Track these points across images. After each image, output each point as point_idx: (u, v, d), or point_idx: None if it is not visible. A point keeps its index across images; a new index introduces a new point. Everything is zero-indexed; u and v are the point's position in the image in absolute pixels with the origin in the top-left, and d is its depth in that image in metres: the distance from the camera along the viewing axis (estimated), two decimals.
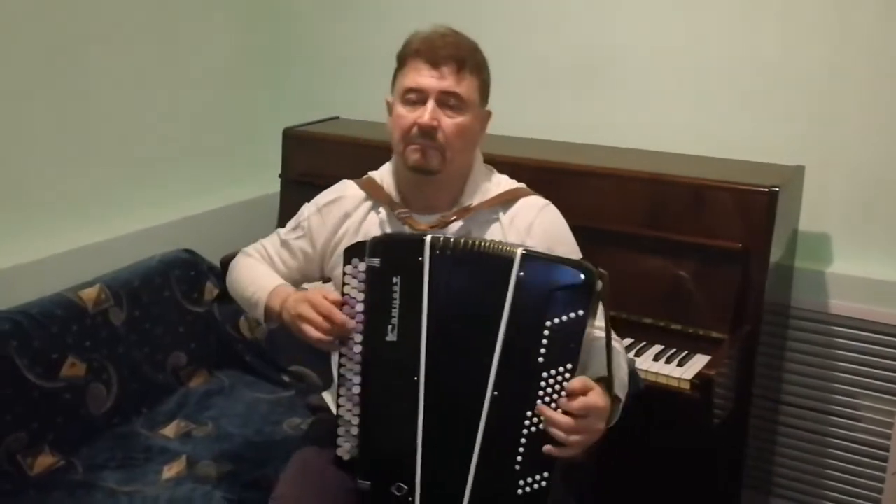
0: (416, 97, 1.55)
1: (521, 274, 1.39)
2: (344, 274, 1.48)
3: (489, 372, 1.40)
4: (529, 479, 1.40)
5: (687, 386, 1.83)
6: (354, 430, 1.50)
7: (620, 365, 1.48)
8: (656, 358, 1.93)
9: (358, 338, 1.47)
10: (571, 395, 1.36)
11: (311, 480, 1.63)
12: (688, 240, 1.99)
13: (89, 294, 2.22)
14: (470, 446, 1.42)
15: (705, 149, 2.30)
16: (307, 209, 1.73)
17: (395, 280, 1.44)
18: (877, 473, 2.27)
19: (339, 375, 1.51)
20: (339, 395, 1.52)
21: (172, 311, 2.43)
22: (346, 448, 1.53)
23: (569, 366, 1.36)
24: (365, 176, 1.72)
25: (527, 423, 1.39)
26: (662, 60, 2.40)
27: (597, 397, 1.36)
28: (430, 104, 1.53)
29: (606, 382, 1.40)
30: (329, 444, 1.61)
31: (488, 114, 1.65)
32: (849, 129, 2.20)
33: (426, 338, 1.43)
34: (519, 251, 1.40)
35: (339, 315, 1.46)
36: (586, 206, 2.01)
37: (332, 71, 3.00)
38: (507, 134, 2.24)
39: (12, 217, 2.30)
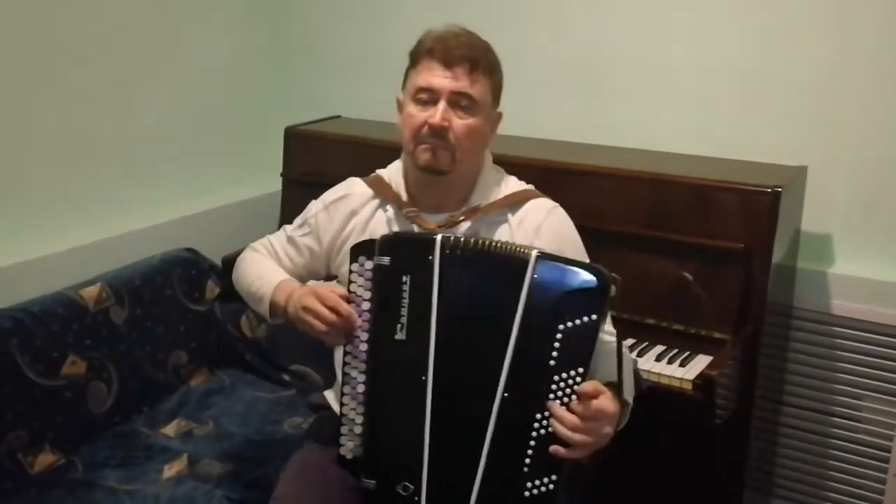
0: (428, 97, 1.54)
1: (536, 276, 1.38)
2: (350, 272, 1.48)
3: (500, 373, 1.40)
4: (537, 482, 1.40)
5: (689, 386, 1.83)
6: (358, 429, 1.50)
7: (629, 369, 1.48)
8: (658, 358, 1.92)
9: (364, 336, 1.47)
10: (583, 396, 1.35)
11: (312, 480, 1.63)
12: (690, 240, 1.99)
13: (90, 292, 2.22)
14: (478, 447, 1.42)
15: (708, 149, 2.30)
16: (314, 206, 1.73)
17: (404, 279, 1.43)
18: (878, 475, 2.27)
19: (344, 374, 1.50)
20: (342, 394, 1.51)
21: (173, 309, 2.43)
22: (349, 447, 1.52)
23: (580, 369, 1.36)
24: (373, 174, 1.72)
25: (536, 425, 1.39)
26: (665, 61, 2.39)
27: (607, 402, 1.36)
28: (442, 104, 1.53)
29: (616, 387, 1.40)
30: (330, 443, 1.60)
31: (499, 115, 1.65)
32: (851, 130, 2.20)
33: (435, 337, 1.43)
34: (534, 253, 1.39)
35: (345, 307, 1.46)
36: (589, 206, 2.00)
37: (333, 70, 2.99)
38: (509, 134, 2.23)
39: (14, 215, 2.30)
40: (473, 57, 1.54)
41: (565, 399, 1.37)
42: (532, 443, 1.39)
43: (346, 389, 1.50)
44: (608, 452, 1.42)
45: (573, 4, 2.50)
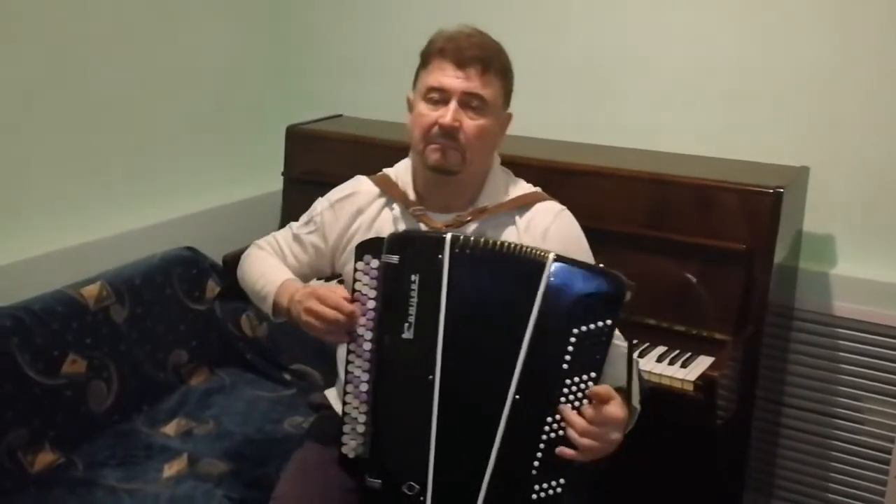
0: (439, 96, 1.54)
1: (552, 279, 1.38)
2: (355, 270, 1.47)
3: (512, 375, 1.39)
4: (545, 485, 1.40)
5: (690, 387, 1.83)
6: (361, 428, 1.49)
7: (636, 374, 1.48)
8: (660, 359, 1.92)
9: (368, 335, 1.46)
10: (595, 399, 1.35)
11: (312, 479, 1.62)
12: (691, 240, 1.99)
13: (91, 291, 2.22)
14: (487, 448, 1.41)
15: (709, 149, 2.30)
16: (320, 204, 1.73)
17: (413, 277, 1.43)
18: (879, 476, 2.26)
19: (347, 372, 1.50)
20: (345, 392, 1.50)
21: (174, 308, 2.43)
22: (351, 446, 1.52)
23: (592, 374, 1.36)
24: (379, 173, 1.72)
25: (546, 428, 1.39)
26: (667, 61, 2.39)
27: (617, 407, 1.36)
28: (453, 104, 1.53)
29: (625, 393, 1.40)
30: (331, 443, 1.60)
31: (509, 116, 1.65)
32: (853, 131, 2.19)
33: (443, 336, 1.42)
34: (551, 256, 1.39)
35: (347, 305, 1.46)
36: (590, 206, 1.99)
37: (335, 69, 2.99)
38: (510, 133, 2.23)
39: (14, 214, 2.29)
40: (486, 58, 1.54)
41: (576, 403, 1.37)
42: (541, 445, 1.39)
43: (349, 388, 1.50)
44: (615, 457, 1.42)
45: (575, 4, 2.50)
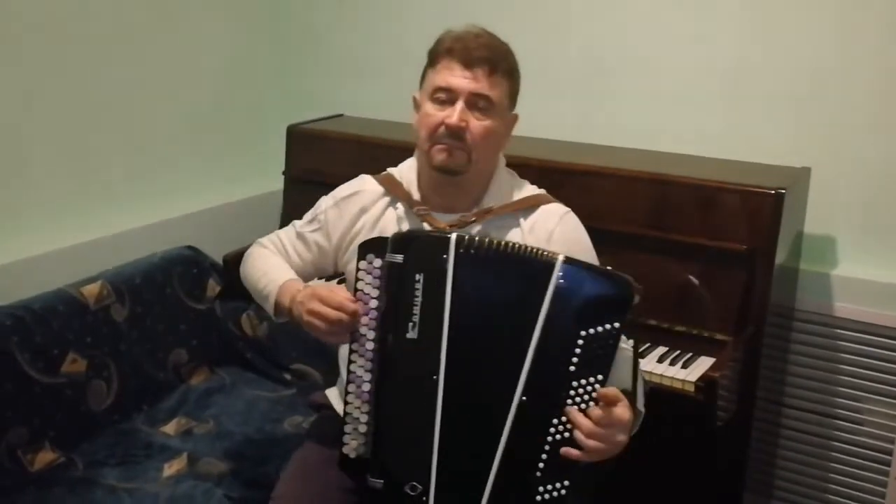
0: (446, 96, 1.54)
1: (561, 281, 1.37)
2: (358, 269, 1.47)
3: (518, 376, 1.39)
4: (549, 486, 1.40)
5: (691, 388, 1.83)
6: (362, 428, 1.49)
7: (643, 378, 1.48)
8: (660, 359, 1.92)
9: (371, 334, 1.46)
10: (604, 400, 1.35)
11: (312, 479, 1.62)
12: (692, 241, 1.98)
13: (91, 290, 2.22)
14: (492, 449, 1.41)
15: (710, 150, 2.29)
16: (324, 202, 1.72)
17: (417, 277, 1.42)
18: (880, 478, 2.26)
19: (349, 372, 1.49)
20: (347, 392, 1.50)
21: (174, 308, 2.42)
22: (352, 445, 1.51)
23: (599, 377, 1.36)
24: (384, 172, 1.72)
25: (552, 430, 1.39)
26: (668, 61, 2.39)
27: (624, 410, 1.36)
28: (460, 105, 1.52)
29: (630, 395, 1.40)
30: (331, 443, 1.60)
31: (515, 117, 1.65)
32: (854, 131, 2.19)
33: (448, 336, 1.42)
34: (560, 257, 1.39)
35: (350, 305, 1.45)
36: (591, 206, 1.99)
37: (336, 69, 2.99)
38: (512, 133, 2.23)
39: (15, 212, 2.29)
40: (494, 59, 1.54)
41: (583, 405, 1.37)
42: (547, 447, 1.39)
43: (351, 388, 1.49)
44: (620, 459, 1.41)
45: (576, 4, 2.50)
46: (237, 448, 2.13)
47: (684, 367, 1.88)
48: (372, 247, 1.46)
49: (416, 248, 1.44)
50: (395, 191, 1.66)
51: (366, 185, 1.69)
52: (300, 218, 1.78)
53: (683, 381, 1.84)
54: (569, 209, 1.65)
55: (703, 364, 1.88)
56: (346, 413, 1.51)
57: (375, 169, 1.74)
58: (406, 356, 1.45)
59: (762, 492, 2.42)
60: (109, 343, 2.22)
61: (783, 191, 1.92)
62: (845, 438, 2.30)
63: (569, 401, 1.38)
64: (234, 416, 2.27)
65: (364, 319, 1.46)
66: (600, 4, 2.47)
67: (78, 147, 2.44)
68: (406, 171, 1.68)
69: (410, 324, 1.43)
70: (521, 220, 1.62)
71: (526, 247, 1.43)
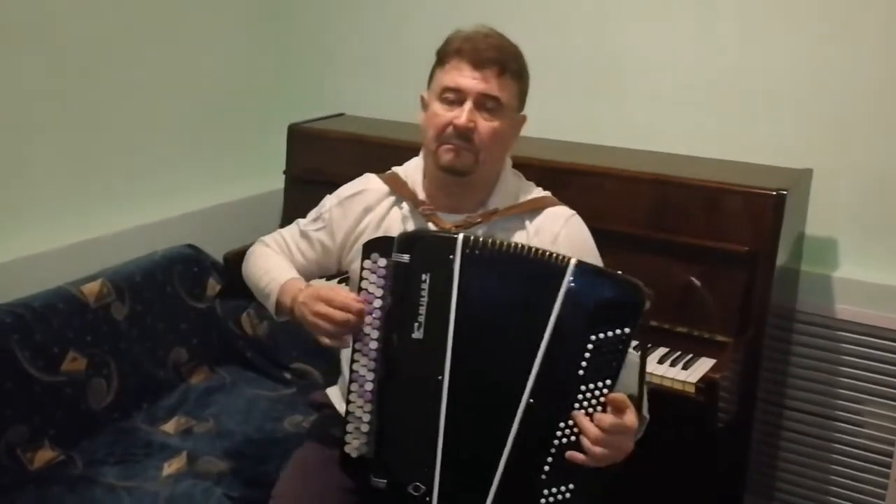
0: (455, 97, 1.53)
1: (573, 284, 1.37)
2: (362, 268, 1.46)
3: (526, 378, 1.38)
4: (554, 490, 1.40)
5: (692, 389, 1.83)
6: (365, 427, 1.49)
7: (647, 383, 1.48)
8: (661, 361, 1.92)
9: (374, 333, 1.45)
10: (612, 405, 1.35)
11: (312, 479, 1.62)
12: (694, 242, 1.98)
13: (91, 288, 2.21)
14: (497, 450, 1.40)
15: (713, 151, 2.29)
16: (328, 201, 1.72)
17: (423, 276, 1.41)
18: (880, 480, 2.26)
19: (351, 371, 1.48)
20: (349, 391, 1.49)
21: (174, 306, 2.42)
22: (354, 445, 1.51)
23: (608, 381, 1.36)
24: (388, 171, 1.71)
25: (558, 433, 1.38)
26: (670, 62, 2.39)
27: (631, 416, 1.36)
28: (468, 105, 1.52)
29: (636, 401, 1.39)
30: (331, 443, 1.59)
31: (523, 118, 1.64)
32: (856, 133, 2.19)
33: (453, 336, 1.41)
34: (573, 261, 1.38)
35: (355, 304, 1.45)
36: (593, 206, 1.98)
37: (337, 68, 2.99)
38: None
39: (15, 210, 2.29)
40: (503, 60, 1.53)
41: (590, 409, 1.37)
42: (553, 451, 1.39)
43: (354, 387, 1.49)
44: (625, 464, 1.41)
45: (579, 4, 2.50)
46: (237, 447, 2.12)
47: (685, 368, 1.88)
48: (377, 246, 1.46)
49: (422, 248, 1.44)
50: (399, 190, 1.66)
51: (370, 184, 1.69)
52: (301, 217, 1.77)
53: (684, 382, 1.84)
54: (574, 212, 1.65)
55: (704, 365, 1.88)
56: (348, 412, 1.50)
57: (376, 168, 1.73)
58: (411, 356, 1.44)
59: (763, 493, 2.42)
60: (109, 341, 2.22)
61: (785, 192, 1.91)
62: (846, 440, 2.30)
63: (576, 405, 1.37)
64: (234, 415, 2.27)
65: (368, 319, 1.45)
66: (603, 5, 2.46)
67: (79, 146, 2.44)
68: (411, 171, 1.68)
69: (416, 324, 1.42)
70: (527, 222, 1.61)
71: (536, 249, 1.42)
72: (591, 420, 1.36)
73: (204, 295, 2.51)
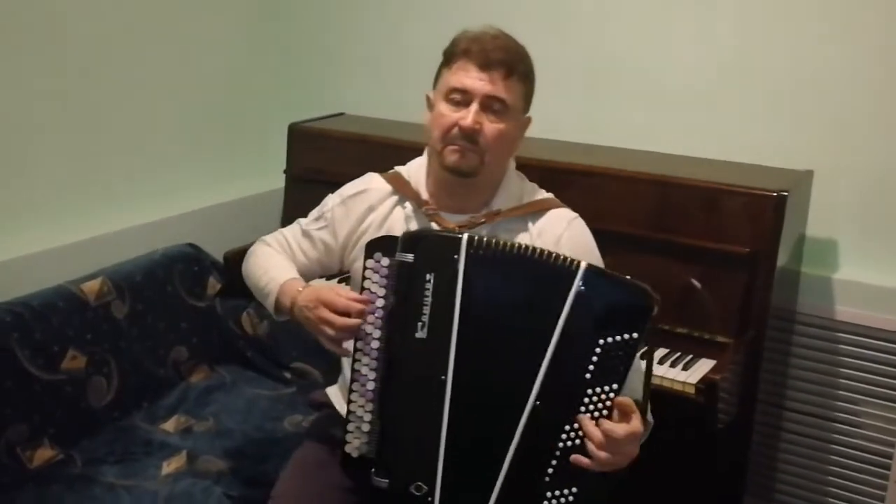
0: (461, 98, 1.53)
1: (583, 288, 1.37)
2: (364, 268, 1.46)
3: (532, 380, 1.38)
4: (557, 492, 1.40)
5: (692, 390, 1.83)
6: (366, 427, 1.48)
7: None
8: (661, 361, 1.92)
9: (376, 333, 1.45)
10: (618, 409, 1.35)
11: (312, 479, 1.62)
12: (695, 243, 1.98)
13: (91, 287, 2.21)
14: (501, 451, 1.40)
15: (714, 152, 2.29)
16: (331, 200, 1.72)
17: (427, 276, 1.41)
18: (879, 481, 2.26)
19: (353, 370, 1.48)
20: (351, 391, 1.49)
21: (174, 305, 2.42)
22: (355, 444, 1.51)
23: (614, 386, 1.36)
24: (391, 170, 1.71)
25: (563, 436, 1.38)
26: (671, 63, 2.39)
27: (636, 422, 1.36)
28: (474, 106, 1.52)
29: (641, 406, 1.39)
30: (331, 442, 1.59)
31: (528, 120, 1.64)
32: (857, 135, 2.19)
33: (456, 336, 1.41)
34: (583, 264, 1.38)
35: (356, 305, 1.44)
36: (593, 207, 1.98)
37: (337, 67, 2.99)
38: None
39: (15, 208, 2.29)
40: (510, 62, 1.53)
41: (596, 413, 1.37)
42: (557, 453, 1.39)
43: (355, 387, 1.48)
44: (630, 469, 1.41)
45: (580, 5, 2.50)
46: (237, 446, 2.12)
47: (685, 369, 1.88)
48: (380, 245, 1.46)
49: (426, 248, 1.43)
50: (402, 190, 1.65)
51: (373, 184, 1.69)
52: (301, 216, 1.77)
53: (684, 383, 1.84)
54: (577, 215, 1.65)
55: (704, 366, 1.88)
56: (349, 412, 1.50)
57: (377, 168, 1.73)
58: (414, 356, 1.44)
59: (762, 495, 2.42)
60: (109, 340, 2.22)
61: (785, 193, 1.91)
62: (845, 442, 2.30)
63: (582, 408, 1.37)
64: (234, 414, 2.27)
65: (370, 318, 1.45)
66: (603, 5, 2.46)
67: (79, 145, 2.44)
68: (414, 171, 1.68)
69: (419, 323, 1.42)
70: (530, 223, 1.61)
71: (542, 250, 1.41)
72: (597, 425, 1.36)
73: (204, 294, 2.51)
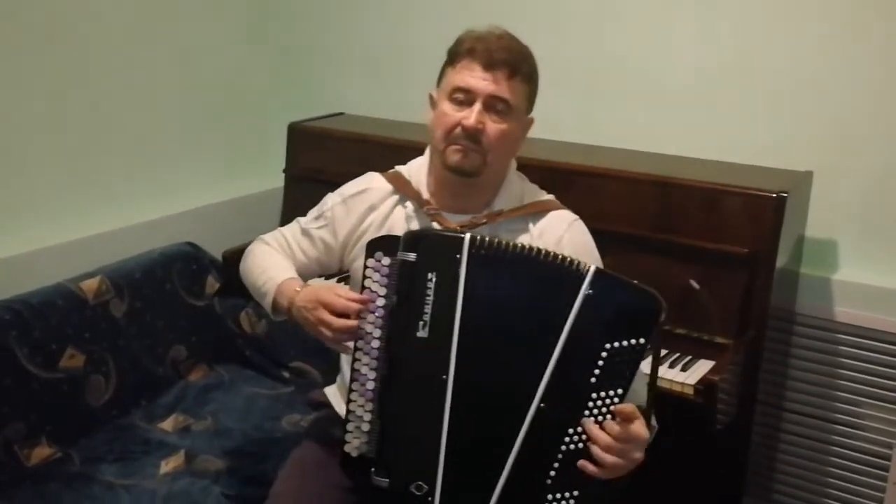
0: (465, 97, 1.53)
1: (591, 292, 1.36)
2: (365, 267, 1.46)
3: (536, 381, 1.38)
4: (559, 495, 1.39)
5: (690, 391, 1.82)
6: (365, 426, 1.48)
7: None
8: (660, 362, 1.91)
9: (377, 332, 1.45)
10: (620, 416, 1.35)
11: (310, 478, 1.62)
12: (694, 243, 1.98)
13: (90, 285, 2.21)
14: (503, 452, 1.40)
15: (714, 153, 2.29)
16: (331, 199, 1.71)
17: (429, 275, 1.41)
18: (878, 483, 2.26)
19: (353, 370, 1.48)
20: (350, 390, 1.49)
21: (173, 304, 2.42)
22: (354, 444, 1.50)
23: (619, 391, 1.36)
24: (391, 170, 1.71)
25: (567, 439, 1.38)
26: (671, 64, 2.39)
27: (641, 427, 1.36)
28: (477, 106, 1.51)
29: (645, 412, 1.39)
30: (330, 443, 1.59)
31: (531, 121, 1.64)
32: (857, 136, 2.19)
33: (458, 336, 1.40)
34: (592, 268, 1.37)
35: (355, 305, 1.44)
36: (593, 207, 1.99)
37: (337, 67, 2.99)
38: None
39: (14, 207, 2.29)
40: (515, 62, 1.53)
41: (600, 418, 1.36)
42: (560, 456, 1.38)
43: (355, 386, 1.48)
44: (635, 475, 1.40)
45: (580, 5, 2.49)
46: (235, 445, 2.12)
47: (684, 369, 1.88)
48: (381, 245, 1.45)
49: (429, 247, 1.43)
50: (403, 189, 1.65)
51: (374, 183, 1.69)
52: (300, 216, 1.77)
53: (683, 383, 1.84)
54: (577, 217, 1.65)
55: (703, 367, 1.88)
56: (348, 411, 1.49)
57: (376, 167, 1.73)
58: (415, 355, 1.43)
59: (761, 496, 2.42)
60: (108, 338, 2.21)
61: (785, 194, 1.91)
62: (845, 443, 2.30)
63: (586, 412, 1.37)
64: (233, 413, 2.27)
65: (370, 318, 1.45)
66: (603, 5, 2.46)
67: (79, 143, 2.44)
68: (414, 170, 1.67)
69: (421, 322, 1.41)
70: (531, 224, 1.61)
71: (548, 252, 1.41)
72: (602, 429, 1.35)
73: (203, 293, 2.51)
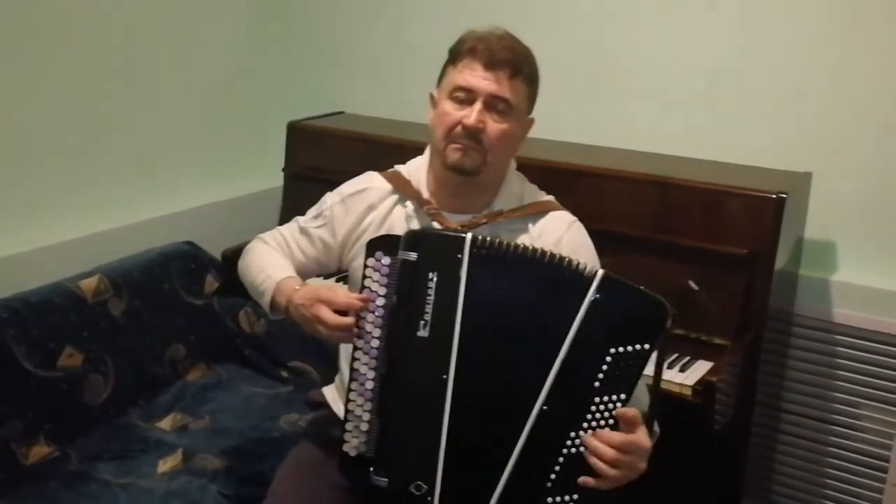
0: (465, 96, 1.53)
1: (598, 297, 1.35)
2: (365, 266, 1.45)
3: (539, 384, 1.37)
4: (558, 498, 1.39)
5: (689, 392, 1.82)
6: (364, 426, 1.47)
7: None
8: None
9: (376, 332, 1.44)
10: (622, 419, 1.34)
11: (308, 477, 1.62)
12: (693, 244, 1.98)
13: (89, 284, 2.21)
14: (505, 454, 1.39)
15: (712, 153, 2.29)
16: (330, 198, 1.71)
17: (430, 275, 1.40)
18: (877, 484, 2.26)
19: (352, 370, 1.47)
20: (349, 390, 1.48)
21: (172, 303, 2.42)
22: (353, 444, 1.49)
23: (622, 396, 1.35)
24: (390, 169, 1.71)
25: (568, 443, 1.37)
26: (671, 64, 2.39)
27: (644, 436, 1.35)
28: (478, 105, 1.51)
29: (647, 418, 1.39)
30: (328, 443, 1.59)
31: (531, 122, 1.64)
32: (857, 137, 2.19)
33: (459, 336, 1.40)
34: (600, 272, 1.37)
35: (356, 303, 1.44)
36: (592, 207, 1.98)
37: (337, 66, 2.99)
38: None
39: (13, 205, 2.29)
40: (516, 62, 1.53)
41: (602, 423, 1.36)
42: (561, 459, 1.38)
43: (354, 386, 1.47)
44: (636, 483, 1.40)
45: (580, 5, 2.49)
46: (233, 445, 2.12)
47: (682, 370, 1.88)
48: (381, 244, 1.45)
49: (429, 246, 1.42)
50: (403, 188, 1.65)
51: (373, 182, 1.68)
52: (300, 215, 1.76)
53: (681, 384, 1.83)
54: (576, 218, 1.65)
55: (702, 368, 1.88)
56: (347, 411, 1.49)
57: (376, 166, 1.73)
58: (416, 354, 1.43)
59: (760, 497, 2.41)
60: (106, 337, 2.21)
61: (784, 195, 1.91)
62: (843, 444, 2.30)
63: (588, 416, 1.36)
64: (231, 412, 2.26)
65: (370, 317, 1.44)
66: (603, 5, 2.46)
67: (78, 142, 2.43)
68: (414, 170, 1.67)
69: (422, 322, 1.41)
70: (530, 224, 1.61)
71: (552, 254, 1.40)
72: (604, 441, 1.34)
73: (202, 292, 2.50)
